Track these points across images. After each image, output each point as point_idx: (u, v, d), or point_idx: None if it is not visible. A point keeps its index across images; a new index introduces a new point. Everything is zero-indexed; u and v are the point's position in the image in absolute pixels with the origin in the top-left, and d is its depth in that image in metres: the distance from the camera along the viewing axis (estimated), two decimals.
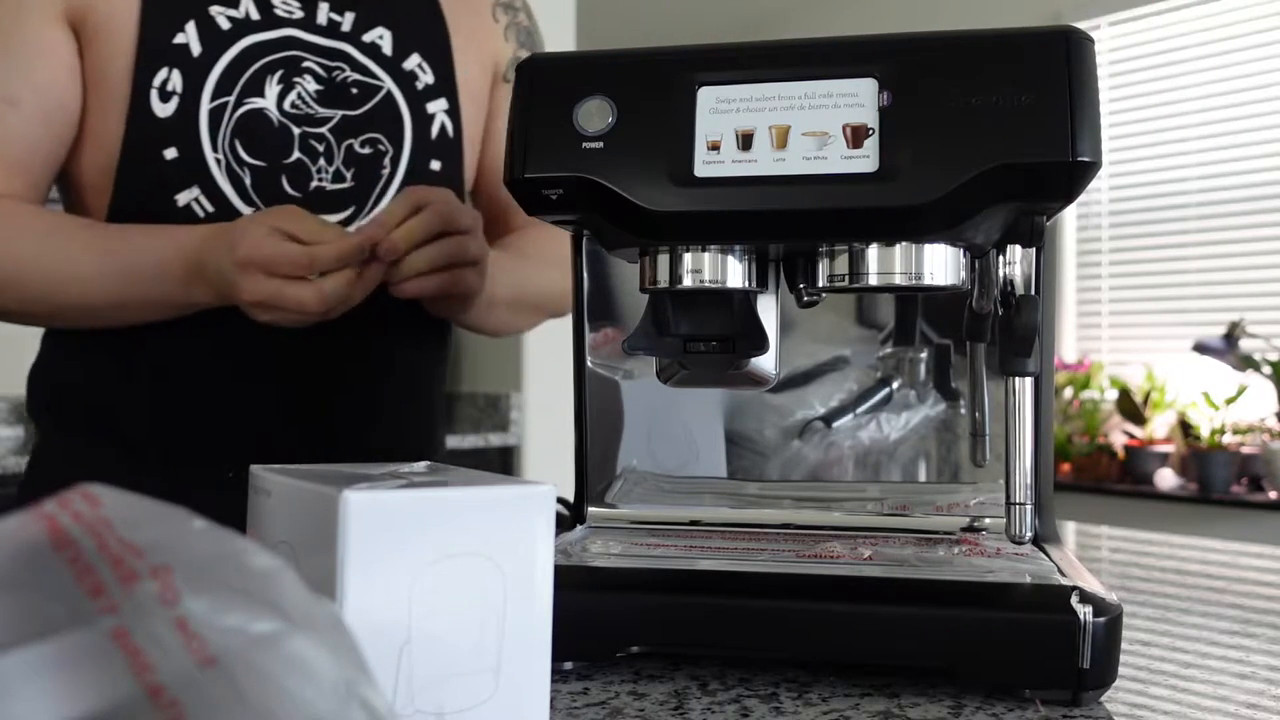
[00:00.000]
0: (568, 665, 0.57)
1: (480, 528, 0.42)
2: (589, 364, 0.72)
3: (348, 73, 0.96)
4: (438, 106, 1.00)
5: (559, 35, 2.78)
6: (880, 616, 0.54)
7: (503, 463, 2.80)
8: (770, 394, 0.71)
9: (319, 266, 0.80)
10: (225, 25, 0.92)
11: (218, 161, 0.91)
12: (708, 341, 0.65)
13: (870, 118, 0.55)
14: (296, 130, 0.93)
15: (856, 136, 0.55)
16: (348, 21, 0.97)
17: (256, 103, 0.92)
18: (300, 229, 0.81)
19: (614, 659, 0.58)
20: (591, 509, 0.72)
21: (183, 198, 0.91)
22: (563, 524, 0.73)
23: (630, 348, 0.65)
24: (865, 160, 0.55)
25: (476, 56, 1.04)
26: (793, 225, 0.57)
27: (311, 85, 0.94)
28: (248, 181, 0.92)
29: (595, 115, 0.58)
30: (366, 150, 0.96)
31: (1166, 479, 3.25)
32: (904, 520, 0.70)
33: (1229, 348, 3.10)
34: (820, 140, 0.56)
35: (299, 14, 0.95)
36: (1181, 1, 3.40)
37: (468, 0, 1.05)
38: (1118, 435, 3.41)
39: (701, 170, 0.57)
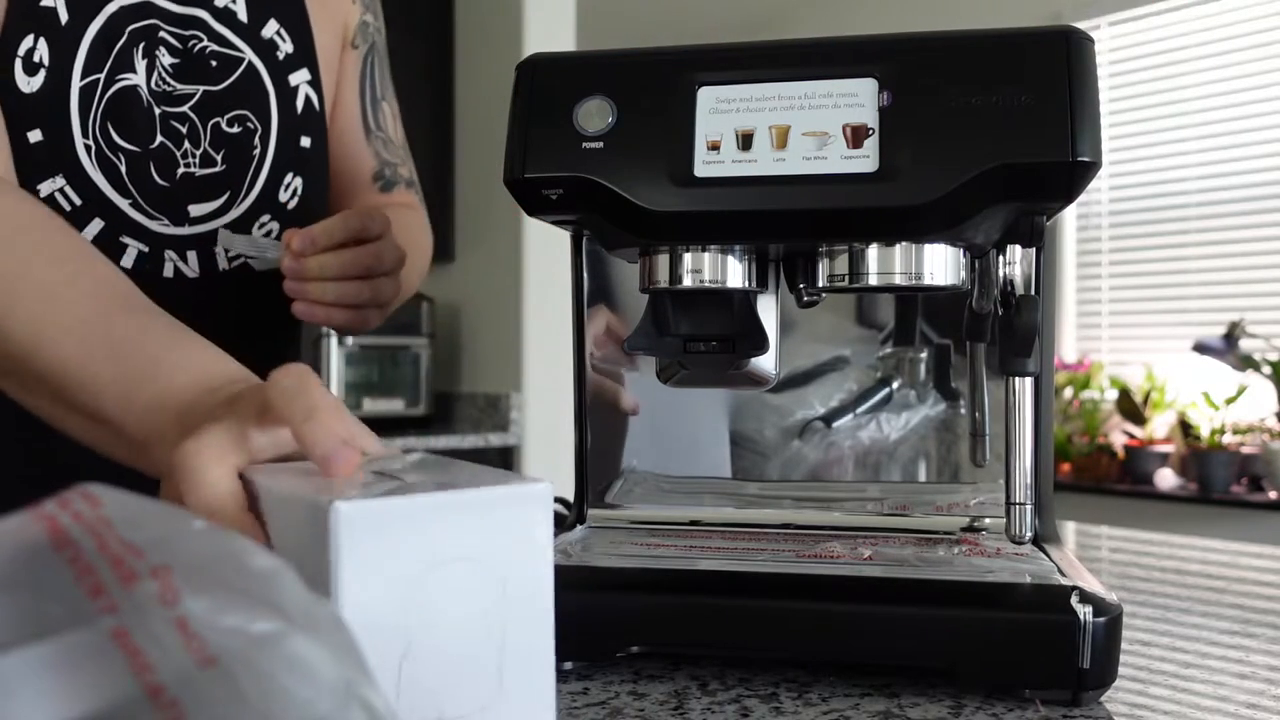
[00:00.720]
0: (568, 665, 0.57)
1: (477, 530, 0.40)
2: (589, 364, 0.72)
3: (205, 42, 0.85)
4: (300, 78, 0.91)
5: (559, 35, 2.78)
6: (880, 616, 0.54)
7: (503, 463, 2.80)
8: (770, 394, 0.71)
9: None
10: None
11: (88, 147, 0.80)
12: (708, 341, 0.65)
13: (870, 118, 0.55)
14: (158, 110, 0.83)
15: (856, 136, 0.55)
16: None
17: (129, 79, 0.81)
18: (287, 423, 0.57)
19: (614, 659, 0.58)
20: (591, 509, 0.72)
21: (45, 188, 0.79)
22: (562, 524, 0.73)
23: (630, 348, 0.65)
24: (865, 160, 0.55)
25: (329, 23, 0.95)
26: (793, 225, 0.57)
27: (168, 59, 0.84)
28: (122, 169, 0.81)
29: (595, 115, 0.58)
30: (235, 129, 0.86)
31: (1166, 479, 3.25)
32: (904, 520, 0.70)
33: (1229, 348, 3.10)
34: (820, 140, 0.56)
35: None
36: (1181, 1, 3.40)
37: None
38: (1118, 435, 3.41)
39: (701, 170, 0.57)
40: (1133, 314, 3.52)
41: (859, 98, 0.56)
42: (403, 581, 0.39)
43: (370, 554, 0.38)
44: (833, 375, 0.72)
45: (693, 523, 0.71)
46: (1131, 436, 3.37)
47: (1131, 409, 3.31)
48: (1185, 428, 3.27)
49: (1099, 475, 3.35)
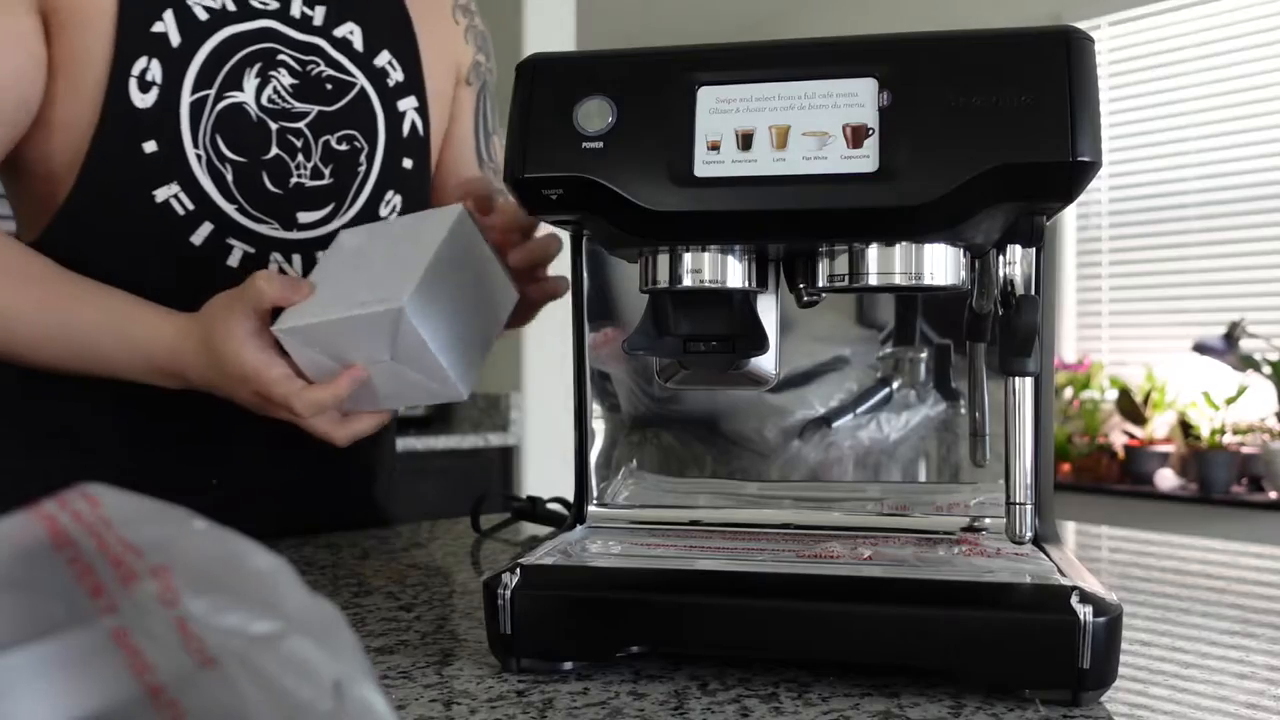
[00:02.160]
0: (568, 665, 0.57)
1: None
2: (589, 364, 0.72)
3: (322, 67, 0.94)
4: (408, 104, 0.99)
5: (559, 35, 2.78)
6: (880, 616, 0.54)
7: (503, 463, 2.80)
8: (770, 394, 0.71)
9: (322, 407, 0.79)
10: (203, 16, 0.89)
11: (198, 157, 0.88)
12: (708, 341, 0.65)
13: (870, 118, 0.55)
14: (274, 125, 0.92)
15: (856, 136, 0.55)
16: (319, 15, 0.95)
17: (236, 97, 0.90)
18: (279, 298, 0.78)
19: (614, 659, 0.58)
20: (591, 509, 0.72)
21: (161, 193, 0.88)
22: (563, 524, 0.73)
23: (630, 348, 0.65)
24: (865, 160, 0.55)
25: (440, 57, 1.04)
26: (793, 225, 0.57)
27: (287, 79, 0.92)
28: (229, 178, 0.90)
29: (595, 115, 0.58)
30: (343, 147, 0.95)
31: (1166, 479, 3.25)
32: (904, 520, 0.70)
33: (1229, 348, 3.10)
34: (820, 140, 0.56)
35: (274, 5, 0.93)
36: (1181, 1, 3.40)
37: (430, 1, 1.04)
38: (1118, 435, 3.41)
39: (701, 170, 0.57)
40: (1133, 314, 3.52)
41: (859, 98, 0.56)
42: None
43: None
44: (833, 375, 0.72)
45: (693, 523, 0.71)
46: (1131, 436, 3.37)
47: (1131, 409, 3.31)
48: (1185, 428, 3.27)
49: (1099, 475, 3.36)
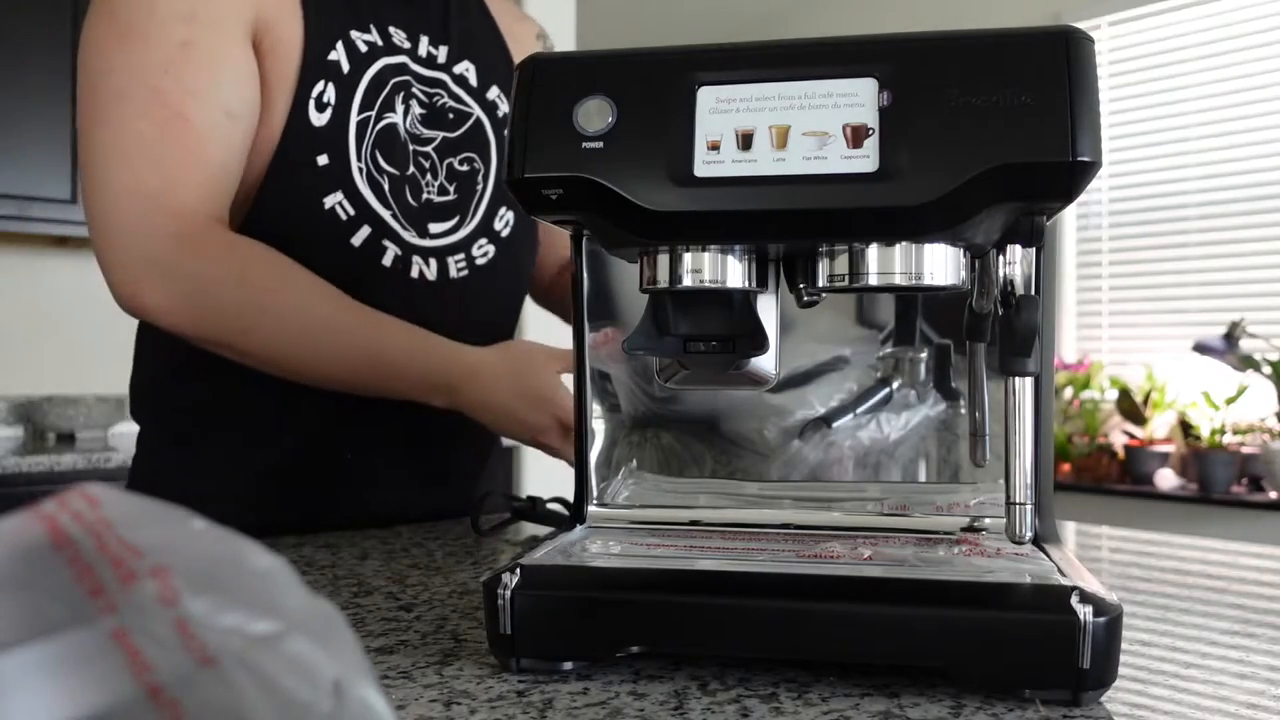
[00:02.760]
0: (568, 665, 0.57)
1: None
2: (589, 364, 0.72)
3: (445, 99, 1.07)
4: None
5: (559, 35, 2.78)
6: (880, 616, 0.54)
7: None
8: (770, 394, 0.71)
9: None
10: (363, 48, 1.01)
11: (360, 169, 0.99)
12: (708, 341, 0.65)
13: (870, 118, 0.55)
14: (411, 146, 1.04)
15: (856, 136, 0.55)
16: (442, 54, 1.08)
17: (391, 118, 1.02)
18: (568, 365, 0.97)
19: (614, 659, 0.58)
20: (591, 509, 0.72)
21: (328, 201, 0.98)
22: (563, 524, 0.73)
23: (630, 348, 0.65)
24: (865, 160, 0.55)
25: None
26: (793, 225, 0.57)
27: (417, 109, 1.05)
28: (385, 187, 1.01)
29: (595, 115, 0.58)
30: (464, 168, 1.08)
31: (1166, 479, 3.25)
32: (904, 520, 0.70)
33: (1229, 348, 3.10)
34: (820, 140, 0.56)
35: (408, 45, 1.05)
36: (1181, 1, 3.40)
37: (519, 39, 1.18)
38: (1118, 435, 3.41)
39: (701, 170, 0.57)
40: (1133, 314, 3.52)
41: (859, 98, 0.56)
42: None
43: None
44: (833, 375, 0.72)
45: (693, 523, 0.71)
46: (1131, 436, 3.37)
47: (1131, 409, 3.31)
48: (1185, 428, 3.27)
49: (1099, 475, 3.36)
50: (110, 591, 0.24)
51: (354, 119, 0.99)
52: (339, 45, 0.99)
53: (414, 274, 1.03)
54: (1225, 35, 3.32)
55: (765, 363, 0.67)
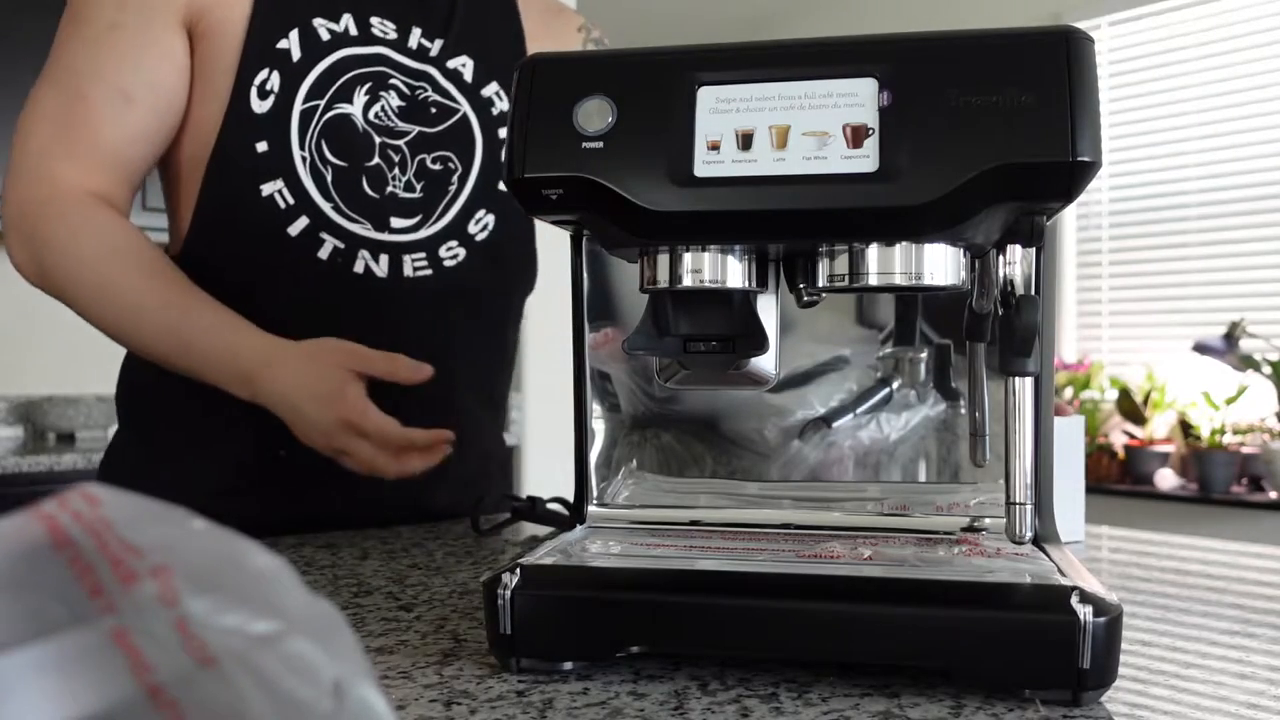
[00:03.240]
0: (568, 665, 0.57)
1: None
2: (589, 364, 0.72)
3: (429, 93, 1.04)
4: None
5: None
6: (880, 616, 0.54)
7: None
8: (770, 394, 0.71)
9: (408, 443, 0.90)
10: (325, 36, 0.99)
11: (303, 159, 0.98)
12: (708, 341, 0.65)
13: (870, 118, 0.55)
14: (378, 139, 1.01)
15: (856, 136, 0.55)
16: (436, 48, 1.06)
17: (344, 109, 1.00)
18: (379, 370, 0.91)
19: (614, 659, 0.58)
20: (591, 509, 0.72)
21: (267, 188, 0.97)
22: (563, 524, 0.73)
23: (630, 348, 0.65)
24: (865, 160, 0.55)
25: None
26: (793, 225, 0.57)
27: (395, 100, 1.02)
28: (329, 179, 0.99)
29: (595, 115, 0.58)
30: (437, 166, 1.04)
31: (1166, 479, 3.25)
32: (904, 520, 0.70)
33: (1229, 348, 3.10)
34: (820, 140, 0.56)
35: (393, 35, 1.03)
36: (1181, 1, 3.40)
37: (558, 34, 1.16)
38: (1118, 435, 3.41)
39: (701, 170, 0.57)
40: (1133, 314, 3.52)
41: (859, 98, 0.56)
42: None
43: None
44: (833, 375, 0.72)
45: (693, 523, 0.71)
46: (1131, 436, 3.37)
47: (1131, 409, 3.31)
48: (1185, 428, 3.27)
49: (1099, 475, 3.35)
50: (110, 591, 0.24)
51: (298, 107, 0.98)
52: (293, 33, 0.99)
53: (358, 269, 1.01)
54: (1225, 35, 3.32)
55: (765, 363, 0.67)
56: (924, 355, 0.70)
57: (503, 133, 1.06)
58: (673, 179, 0.56)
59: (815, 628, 0.55)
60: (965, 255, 0.59)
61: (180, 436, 1.05)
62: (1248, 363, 3.08)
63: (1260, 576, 0.87)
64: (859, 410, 0.71)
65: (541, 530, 1.02)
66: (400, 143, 1.03)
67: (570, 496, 0.74)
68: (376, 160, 1.01)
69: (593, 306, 0.71)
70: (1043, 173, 0.54)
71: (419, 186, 1.03)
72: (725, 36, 0.71)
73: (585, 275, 0.71)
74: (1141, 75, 3.48)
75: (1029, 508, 0.58)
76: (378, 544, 0.95)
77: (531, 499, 1.05)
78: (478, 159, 1.07)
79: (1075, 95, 0.53)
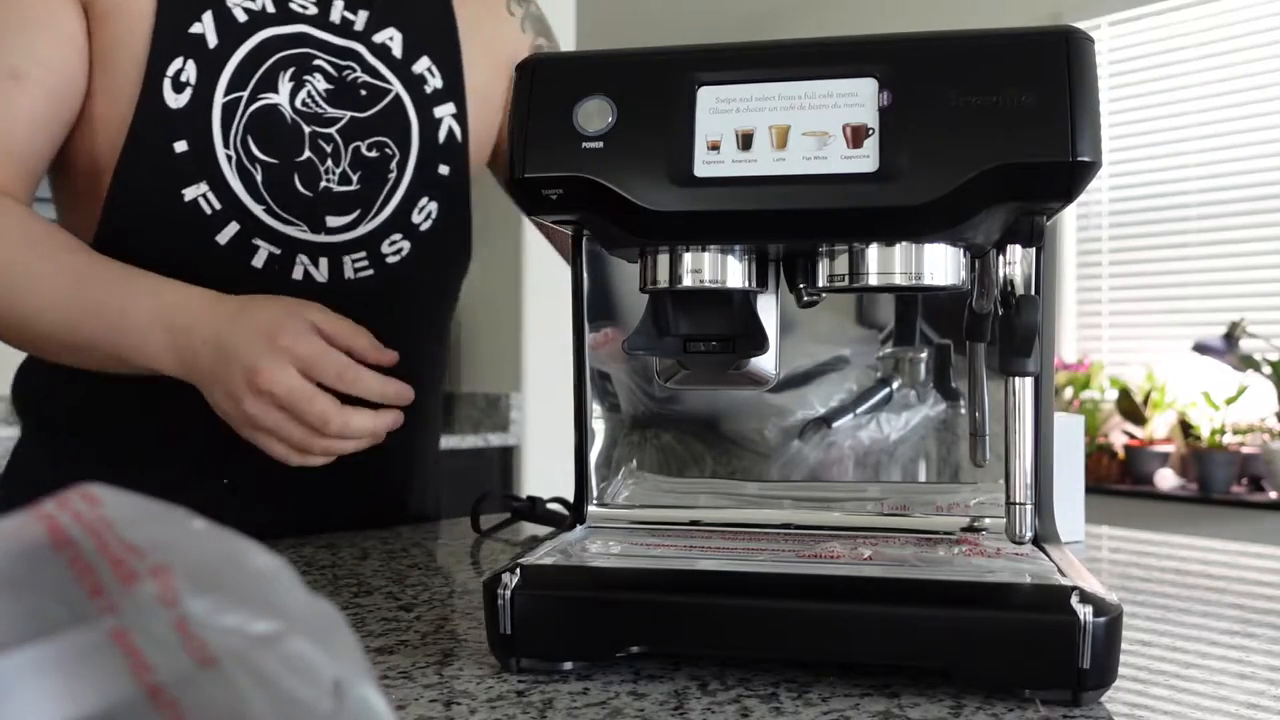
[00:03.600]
0: (568, 665, 0.57)
1: None
2: (589, 364, 0.72)
3: (358, 73, 0.94)
4: (445, 111, 0.99)
5: (559, 35, 2.78)
6: (880, 616, 0.54)
7: (503, 463, 2.80)
8: (770, 394, 0.71)
9: (357, 390, 0.76)
10: (242, 17, 0.89)
11: (229, 157, 0.88)
12: (708, 341, 0.65)
13: (870, 118, 0.55)
14: (307, 129, 0.92)
15: (856, 136, 0.55)
16: (360, 20, 0.95)
17: (270, 99, 0.90)
18: (336, 330, 0.77)
19: (614, 659, 0.58)
20: (591, 509, 0.72)
21: (190, 192, 0.88)
22: (563, 524, 0.73)
23: (630, 348, 0.65)
24: (865, 160, 0.55)
25: (489, 53, 1.03)
26: (793, 225, 0.57)
27: (322, 84, 0.92)
28: (258, 178, 0.90)
29: (595, 115, 0.58)
30: (373, 154, 0.94)
31: (1166, 479, 3.25)
32: (904, 520, 0.70)
33: (1229, 348, 3.10)
34: (820, 140, 0.56)
35: (313, 10, 0.93)
36: (1181, 1, 3.40)
37: (487, 1, 1.05)
38: (1118, 435, 3.41)
39: (701, 170, 0.57)
40: (1133, 314, 3.52)
41: (859, 98, 0.56)
42: None
43: None
44: (833, 375, 0.72)
45: (693, 523, 0.71)
46: (1131, 436, 3.37)
47: (1131, 409, 3.31)
48: (1185, 428, 3.27)
49: (1099, 475, 3.35)
50: (110, 591, 0.24)
51: (219, 101, 0.88)
52: (206, 16, 0.88)
53: (296, 275, 0.92)
54: (1225, 35, 3.32)
55: (765, 363, 0.67)
56: (924, 355, 0.70)
57: (439, 112, 0.98)
58: (673, 179, 0.56)
59: (815, 628, 0.55)
60: (965, 255, 0.59)
61: (93, 451, 0.94)
62: (1248, 363, 3.08)
63: (1260, 576, 0.87)
64: (859, 410, 0.71)
65: (541, 530, 1.03)
66: (331, 131, 0.92)
67: (570, 496, 0.74)
68: (308, 154, 0.92)
69: (593, 306, 0.71)
70: (1043, 173, 0.54)
71: (355, 178, 0.94)
72: (725, 36, 0.71)
73: (585, 275, 0.71)
74: (1141, 75, 3.48)
75: (1029, 508, 0.58)
76: (378, 544, 0.95)
77: (531, 499, 1.05)
78: (415, 143, 0.96)
79: (1075, 95, 0.53)
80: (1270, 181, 3.24)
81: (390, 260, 0.97)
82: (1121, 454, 3.37)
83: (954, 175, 0.54)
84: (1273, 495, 3.05)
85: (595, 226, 0.62)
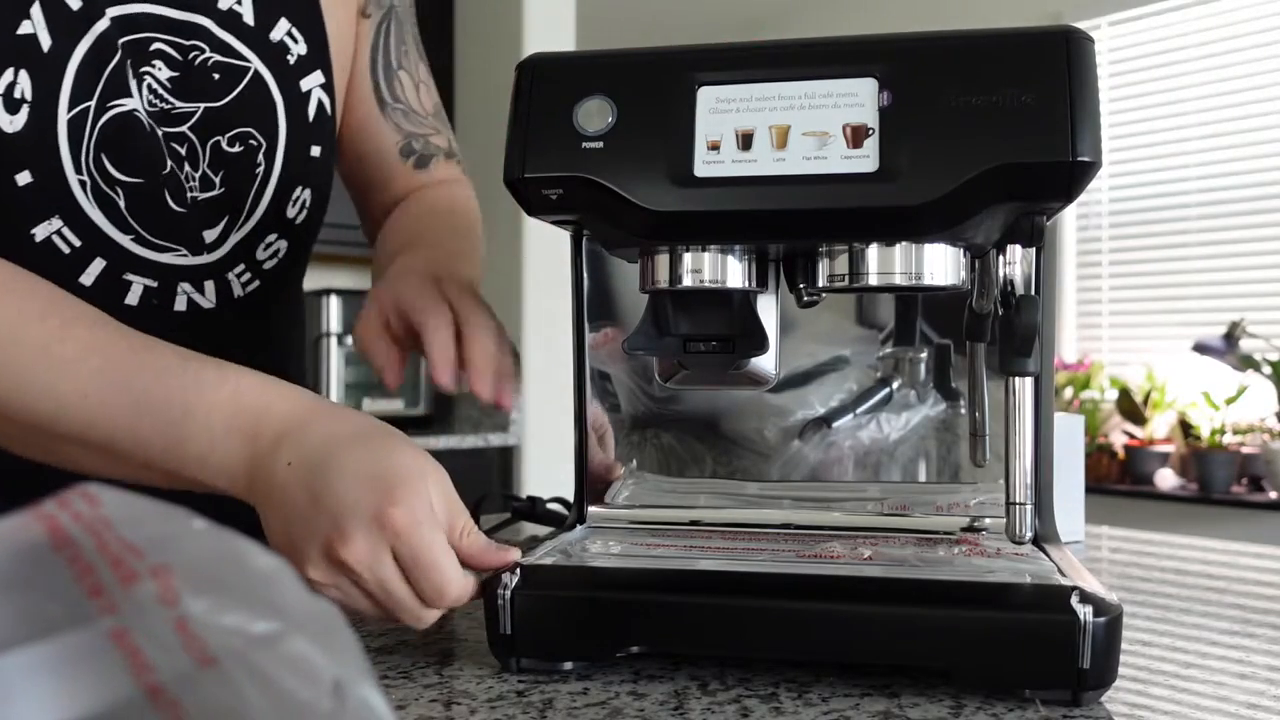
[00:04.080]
0: (568, 665, 0.57)
1: None
2: (589, 364, 0.72)
3: (207, 53, 0.77)
4: (313, 82, 0.83)
5: (559, 35, 2.78)
6: (880, 616, 0.54)
7: (503, 463, 2.80)
8: (770, 394, 0.71)
9: (440, 606, 0.57)
10: (75, 4, 0.70)
11: (83, 183, 0.72)
12: (708, 341, 0.65)
13: (870, 118, 0.55)
14: (161, 130, 0.75)
15: (856, 136, 0.55)
16: None
17: (124, 104, 0.73)
18: (453, 521, 0.57)
19: (614, 659, 0.58)
20: (591, 509, 0.72)
21: (41, 230, 0.71)
22: (563, 524, 0.73)
23: (630, 348, 0.65)
24: (865, 160, 0.55)
25: (342, 2, 0.87)
26: (793, 225, 0.57)
27: (165, 72, 0.75)
28: (121, 203, 0.74)
29: (595, 115, 0.58)
30: (236, 148, 0.79)
31: (1166, 479, 3.25)
32: (904, 520, 0.70)
33: (1229, 348, 3.10)
34: (820, 140, 0.56)
35: None
36: (1181, 1, 3.40)
37: None
38: (1118, 435, 3.41)
39: (701, 170, 0.57)
40: (1133, 314, 3.53)
41: (859, 98, 0.56)
42: None
43: None
44: (833, 375, 0.72)
45: (693, 523, 0.71)
46: (1131, 436, 3.37)
47: (1131, 409, 3.31)
48: (1185, 428, 3.27)
49: (1099, 475, 3.35)
50: (110, 591, 0.24)
51: (64, 116, 0.71)
52: (34, 9, 0.69)
53: (179, 307, 0.77)
54: (1225, 35, 3.32)
55: (765, 363, 0.67)
56: (924, 355, 0.70)
57: (305, 84, 0.82)
58: (673, 179, 0.56)
59: (815, 628, 0.55)
60: (965, 255, 0.59)
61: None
62: (1248, 363, 3.08)
63: (1260, 576, 0.87)
64: (859, 410, 0.71)
65: (541, 530, 1.03)
66: (184, 129, 0.76)
67: (570, 496, 0.74)
68: (170, 164, 0.76)
69: (593, 306, 0.71)
70: (1043, 173, 0.54)
71: (218, 179, 0.78)
72: (725, 36, 0.71)
73: (585, 275, 0.71)
74: (1141, 75, 3.48)
75: (1029, 508, 0.58)
76: None
77: (531, 499, 1.05)
78: (282, 128, 0.81)
79: (1075, 95, 0.53)
80: (1270, 181, 3.24)
81: (268, 266, 0.83)
82: (1121, 454, 3.37)
83: (954, 175, 0.54)
84: (1273, 495, 3.05)
85: (595, 226, 0.62)
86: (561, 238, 0.70)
